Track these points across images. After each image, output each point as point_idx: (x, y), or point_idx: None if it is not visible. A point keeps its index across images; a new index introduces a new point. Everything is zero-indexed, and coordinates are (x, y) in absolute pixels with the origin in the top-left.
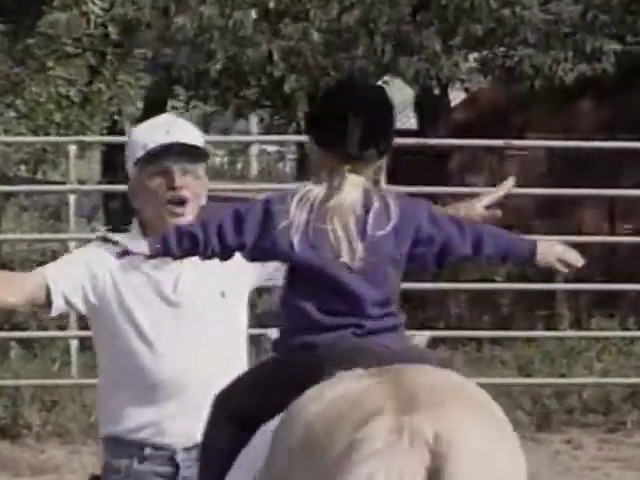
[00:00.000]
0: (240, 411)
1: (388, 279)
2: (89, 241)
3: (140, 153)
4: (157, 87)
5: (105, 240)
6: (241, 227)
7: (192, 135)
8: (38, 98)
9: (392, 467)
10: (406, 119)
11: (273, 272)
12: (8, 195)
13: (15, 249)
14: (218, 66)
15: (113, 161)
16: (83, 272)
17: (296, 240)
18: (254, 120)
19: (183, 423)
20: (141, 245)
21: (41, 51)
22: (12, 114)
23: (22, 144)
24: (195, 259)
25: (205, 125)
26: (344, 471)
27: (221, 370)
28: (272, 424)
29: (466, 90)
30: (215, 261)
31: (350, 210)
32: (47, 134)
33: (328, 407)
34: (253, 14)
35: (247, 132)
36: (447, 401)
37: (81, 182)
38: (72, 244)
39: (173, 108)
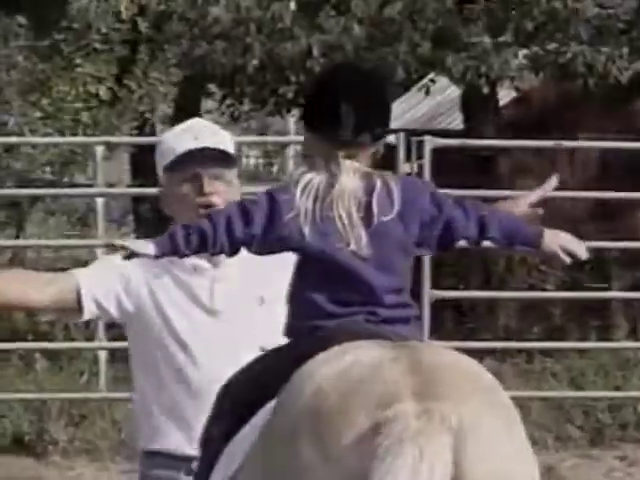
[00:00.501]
0: (244, 400)
1: (399, 266)
2: None
3: (169, 159)
4: (190, 84)
5: (110, 246)
6: (249, 220)
7: (222, 140)
8: (65, 97)
9: (424, 453)
10: (452, 119)
11: None
12: (33, 199)
13: (40, 256)
14: (255, 61)
15: (143, 163)
16: (116, 277)
17: (307, 229)
18: (292, 119)
19: None
20: (148, 246)
21: (68, 47)
22: (37, 114)
23: (48, 145)
24: (230, 266)
25: (240, 125)
26: (373, 456)
27: None
28: (270, 406)
29: (516, 88)
30: (253, 265)
31: (352, 196)
32: (74, 135)
33: (341, 374)
34: (292, 6)
35: (284, 132)
36: (463, 384)
37: (110, 185)
38: (100, 250)
39: (207, 112)
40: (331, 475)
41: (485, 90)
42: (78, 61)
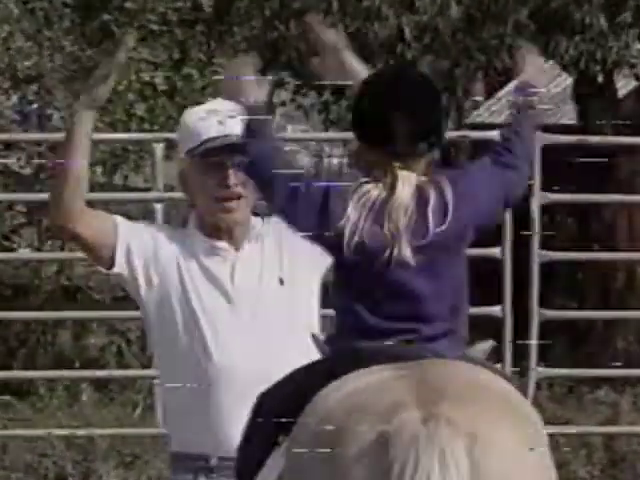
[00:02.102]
0: (279, 413)
1: (450, 275)
2: None
3: (192, 144)
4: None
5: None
6: (293, 202)
7: None
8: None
9: (445, 453)
10: (563, 113)
11: None
12: None
13: (89, 270)
14: None
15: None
16: (149, 244)
17: (352, 241)
18: None
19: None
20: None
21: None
22: None
23: (97, 142)
24: (251, 247)
25: (315, 119)
26: (381, 465)
27: (284, 369)
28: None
29: (636, 77)
30: (273, 246)
31: (405, 210)
32: (127, 130)
33: (348, 397)
34: None
35: None
36: (475, 397)
37: (170, 189)
38: None
39: (280, 105)
40: None
41: (600, 79)
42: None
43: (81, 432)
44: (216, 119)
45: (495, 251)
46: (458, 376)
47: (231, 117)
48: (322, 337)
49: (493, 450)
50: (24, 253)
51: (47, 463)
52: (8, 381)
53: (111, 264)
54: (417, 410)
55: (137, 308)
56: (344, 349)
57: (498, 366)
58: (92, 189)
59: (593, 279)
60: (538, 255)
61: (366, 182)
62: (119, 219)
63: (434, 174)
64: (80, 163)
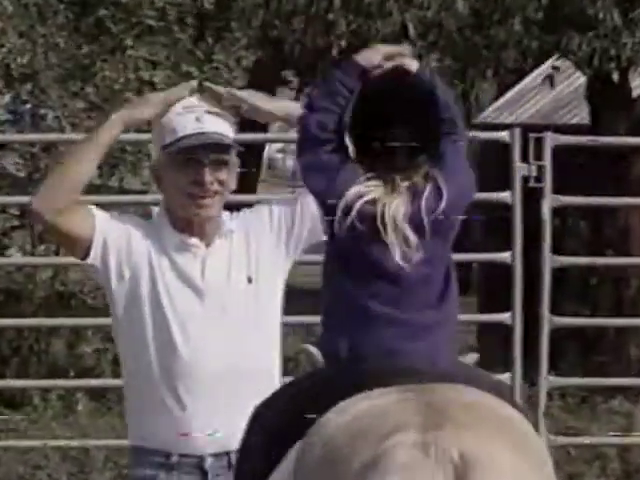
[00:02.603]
0: (277, 426)
1: (442, 262)
2: None
3: (168, 139)
4: (262, 70)
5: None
6: (316, 159)
7: (224, 122)
8: (112, 84)
9: (424, 476)
10: (576, 112)
11: (307, 238)
12: None
13: (85, 275)
14: (340, 42)
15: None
16: (122, 235)
17: (337, 222)
18: None
19: (210, 427)
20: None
21: (117, 26)
22: (81, 104)
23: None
24: (221, 243)
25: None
26: None
27: (252, 365)
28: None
29: None
30: (242, 244)
31: (401, 209)
32: (124, 130)
33: (352, 421)
34: None
35: None
36: (476, 421)
37: None
38: None
39: None
40: None
41: (615, 77)
42: (129, 42)
43: (76, 443)
44: (193, 115)
45: (505, 256)
46: (461, 399)
47: (208, 114)
48: (314, 350)
49: (483, 470)
50: (17, 258)
51: (41, 475)
52: (0, 391)
53: (85, 255)
54: (417, 434)
55: None
56: (342, 351)
57: (507, 375)
58: (88, 191)
59: (606, 285)
60: (549, 260)
61: (370, 179)
62: (96, 211)
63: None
64: (92, 167)
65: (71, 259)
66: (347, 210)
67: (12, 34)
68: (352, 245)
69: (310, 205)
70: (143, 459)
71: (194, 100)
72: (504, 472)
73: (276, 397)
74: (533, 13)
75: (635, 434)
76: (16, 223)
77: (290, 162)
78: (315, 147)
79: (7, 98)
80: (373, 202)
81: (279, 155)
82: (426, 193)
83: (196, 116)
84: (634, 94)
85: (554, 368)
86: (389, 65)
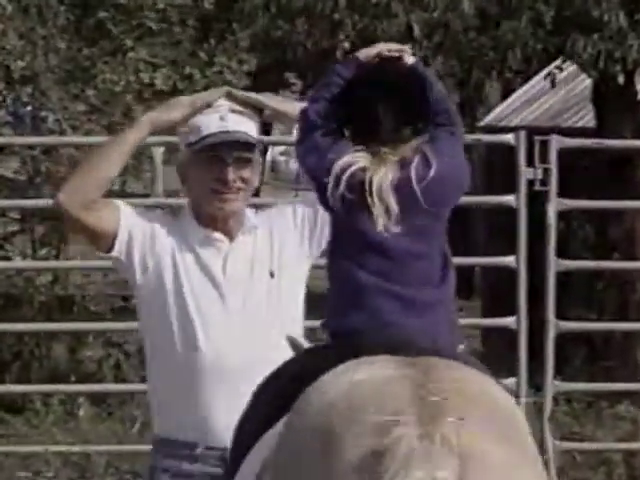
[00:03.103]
0: (276, 402)
1: (437, 239)
2: None
3: (193, 137)
4: (265, 72)
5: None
6: (311, 140)
7: (248, 121)
8: (113, 87)
9: (426, 472)
10: (582, 115)
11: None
12: None
13: (85, 281)
14: (345, 44)
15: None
16: (147, 230)
17: (330, 193)
18: None
19: (234, 419)
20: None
21: (117, 27)
22: (81, 107)
23: (93, 146)
24: (245, 239)
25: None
26: (372, 475)
27: (273, 358)
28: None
29: None
30: (265, 239)
31: (388, 177)
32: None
33: (349, 391)
34: None
35: None
36: (473, 411)
37: (170, 194)
38: None
39: None
40: None
41: (621, 80)
42: (129, 44)
43: (77, 449)
44: (218, 115)
45: (509, 259)
46: (462, 387)
47: (232, 113)
48: (298, 337)
49: (487, 473)
50: (17, 262)
51: None
52: (1, 396)
53: (110, 248)
54: (415, 426)
55: (135, 320)
56: (341, 328)
57: (512, 380)
58: None
59: (612, 289)
60: (554, 264)
61: (360, 151)
62: (122, 205)
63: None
64: (118, 166)
65: (72, 263)
66: (337, 181)
67: (12, 36)
68: (343, 217)
69: None
70: (168, 450)
71: (219, 100)
72: (502, 472)
73: (278, 372)
74: (539, 15)
75: None
76: (16, 228)
77: (293, 165)
78: (312, 132)
79: (8, 101)
80: (362, 171)
81: (282, 158)
82: (414, 163)
83: (220, 115)
84: None
85: (559, 373)
86: (384, 55)
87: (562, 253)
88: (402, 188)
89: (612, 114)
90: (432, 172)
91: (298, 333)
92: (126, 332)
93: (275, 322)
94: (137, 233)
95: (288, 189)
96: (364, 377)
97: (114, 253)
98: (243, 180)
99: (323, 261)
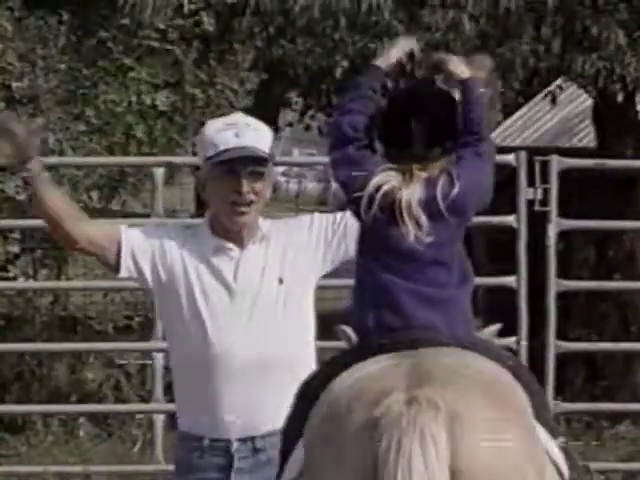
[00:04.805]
0: (312, 393)
1: (453, 243)
2: None
3: (210, 152)
4: (266, 92)
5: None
6: (344, 155)
7: (263, 137)
8: (114, 107)
9: (415, 432)
10: (582, 135)
11: (343, 254)
12: None
13: (86, 301)
14: (345, 63)
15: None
16: (155, 244)
17: (363, 210)
18: None
19: (238, 413)
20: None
21: (118, 47)
22: (82, 127)
23: (94, 166)
24: (256, 247)
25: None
26: (371, 445)
27: (278, 359)
28: None
29: None
30: (276, 247)
31: (417, 195)
32: (126, 153)
33: (351, 385)
34: None
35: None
36: (458, 380)
37: (170, 214)
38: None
39: (287, 125)
40: (340, 470)
41: (620, 98)
42: (129, 64)
43: (78, 469)
44: (234, 131)
45: (510, 280)
46: (447, 362)
47: (247, 129)
48: (348, 329)
49: (472, 427)
50: (18, 282)
51: None
52: (2, 416)
53: (118, 268)
54: (402, 393)
55: (136, 340)
56: (368, 325)
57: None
58: (89, 215)
59: (612, 309)
60: (555, 284)
61: (390, 169)
62: (123, 228)
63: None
64: (58, 214)
65: (72, 283)
66: (370, 199)
67: (12, 56)
68: (374, 230)
69: (352, 226)
70: (182, 443)
71: (235, 117)
72: (486, 426)
73: (316, 375)
74: (537, 34)
75: None
76: (17, 249)
77: (293, 185)
78: (345, 144)
79: None
80: (392, 190)
81: (282, 179)
82: (440, 182)
83: (236, 132)
84: None
85: (560, 393)
86: (421, 73)
87: (563, 274)
88: (429, 205)
89: (613, 134)
90: (455, 190)
91: (307, 331)
92: (127, 352)
93: (283, 322)
94: (142, 250)
95: (287, 209)
96: (363, 373)
97: (122, 274)
98: (256, 193)
99: (329, 282)
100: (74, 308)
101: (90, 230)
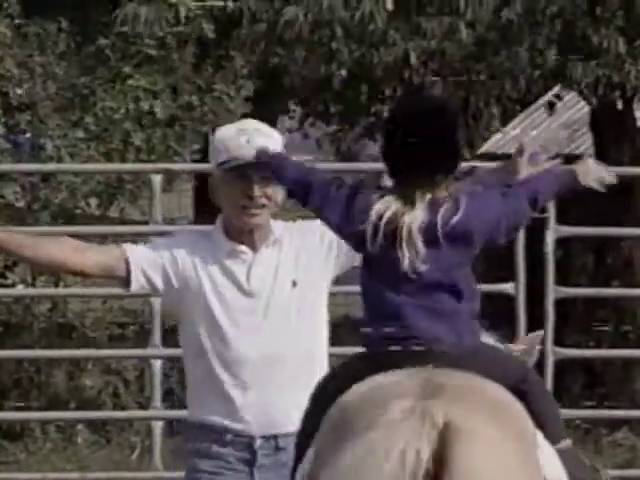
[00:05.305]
0: (327, 396)
1: (457, 265)
2: None
3: (222, 157)
4: (263, 100)
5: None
6: (328, 201)
7: (274, 143)
8: (112, 115)
9: (399, 438)
10: (581, 142)
11: (352, 259)
12: (74, 237)
13: (84, 307)
14: (342, 72)
15: (207, 195)
16: (164, 255)
17: (369, 241)
18: None
19: (258, 410)
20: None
21: (116, 55)
22: (80, 135)
23: (92, 173)
24: (269, 250)
25: (325, 149)
26: (356, 436)
27: (293, 358)
28: None
29: None
30: (290, 250)
31: (418, 221)
32: (124, 160)
33: (365, 392)
34: (388, 4)
35: (378, 158)
36: (466, 398)
37: (168, 222)
38: (158, 301)
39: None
40: (343, 467)
41: (619, 106)
42: (128, 71)
43: (76, 475)
44: (245, 137)
45: (508, 287)
46: (456, 381)
47: (258, 135)
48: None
49: (471, 445)
50: (16, 289)
51: None
52: (0, 423)
53: (129, 283)
54: (410, 400)
55: (133, 347)
56: (380, 338)
57: None
58: (87, 222)
59: (611, 316)
60: (553, 291)
61: (388, 194)
62: (128, 246)
63: (452, 186)
64: (56, 261)
65: (70, 290)
66: (375, 229)
67: (11, 63)
68: (380, 256)
69: None
70: (200, 434)
71: (246, 123)
72: (485, 443)
73: (333, 374)
74: (538, 42)
75: (639, 468)
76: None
77: None
78: (323, 189)
79: (6, 128)
80: (395, 216)
81: None
82: (444, 207)
83: (247, 138)
84: (639, 124)
85: (558, 400)
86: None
87: (561, 281)
88: (429, 231)
89: (611, 141)
90: (457, 217)
91: (320, 331)
92: (125, 359)
93: (296, 326)
94: (153, 262)
95: (292, 217)
96: (379, 381)
97: (134, 289)
98: (267, 196)
99: (339, 288)
100: (72, 315)
101: (97, 257)
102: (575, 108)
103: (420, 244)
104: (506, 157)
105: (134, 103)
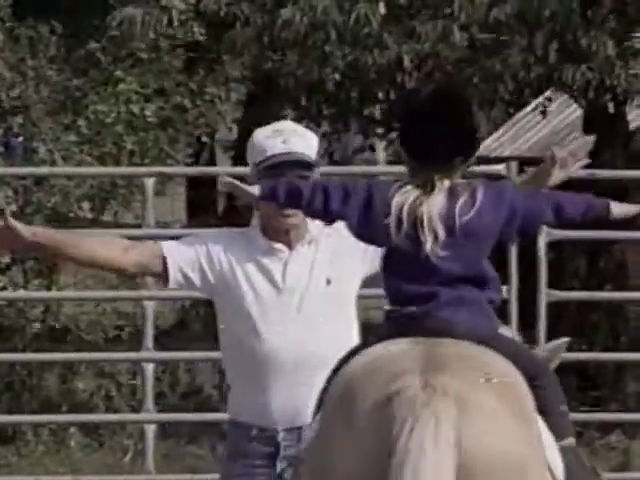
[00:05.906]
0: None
1: (476, 258)
2: (172, 300)
3: (259, 158)
4: (256, 103)
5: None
6: (347, 201)
7: (308, 144)
8: (104, 118)
9: (429, 418)
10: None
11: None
12: None
13: (78, 311)
14: (335, 75)
15: (201, 199)
16: (200, 251)
17: (395, 234)
18: (381, 145)
19: (284, 405)
20: (254, 188)
21: (108, 58)
22: (72, 138)
23: (85, 176)
24: (305, 249)
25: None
26: (385, 419)
27: (324, 355)
28: None
29: None
30: (326, 248)
31: (437, 207)
32: (117, 164)
33: (367, 363)
34: (382, 8)
35: (371, 161)
36: (467, 370)
37: (161, 225)
38: (151, 304)
39: None
40: (353, 441)
41: (611, 109)
42: (120, 75)
43: (68, 478)
44: (282, 138)
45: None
46: (459, 354)
47: (294, 136)
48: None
49: (477, 415)
50: (9, 292)
51: None
52: None
53: (167, 280)
54: (418, 377)
55: (126, 350)
56: (392, 311)
57: None
58: (80, 225)
59: (603, 319)
60: (546, 294)
61: (406, 184)
62: (164, 244)
63: (474, 180)
64: (80, 255)
65: (64, 294)
66: (399, 221)
67: (3, 66)
68: (401, 244)
69: None
70: (233, 431)
71: (282, 125)
72: (489, 413)
73: (346, 357)
74: (528, 45)
75: (632, 470)
76: (7, 260)
77: None
78: (340, 201)
79: None
80: (414, 205)
81: None
82: (462, 199)
83: (283, 139)
84: (631, 126)
85: None
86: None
87: (554, 284)
88: (448, 219)
89: (604, 145)
90: (469, 216)
91: (351, 329)
92: (118, 362)
93: (329, 323)
94: (186, 260)
95: None
96: (382, 352)
97: (171, 285)
98: None
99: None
100: (65, 318)
101: (137, 257)
102: (567, 111)
103: (440, 230)
104: (499, 161)
105: (125, 106)
